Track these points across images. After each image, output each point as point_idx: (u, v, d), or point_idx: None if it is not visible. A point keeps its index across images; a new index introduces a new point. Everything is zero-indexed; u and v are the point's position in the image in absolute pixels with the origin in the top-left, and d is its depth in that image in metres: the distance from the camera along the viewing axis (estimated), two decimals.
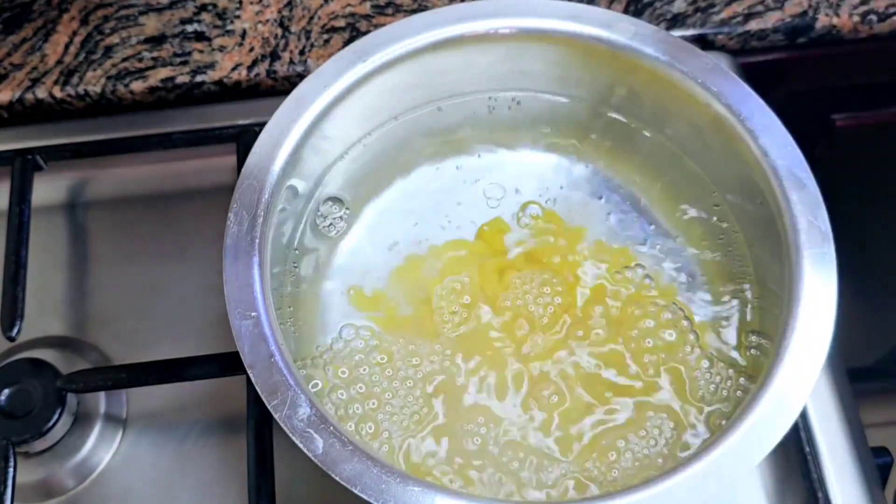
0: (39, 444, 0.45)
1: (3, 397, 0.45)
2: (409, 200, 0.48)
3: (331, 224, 0.47)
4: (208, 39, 0.56)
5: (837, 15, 0.56)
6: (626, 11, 0.56)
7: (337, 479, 0.34)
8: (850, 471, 0.44)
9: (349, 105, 0.44)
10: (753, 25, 0.56)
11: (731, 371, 0.42)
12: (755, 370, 0.41)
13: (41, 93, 0.55)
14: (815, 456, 0.44)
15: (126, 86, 0.55)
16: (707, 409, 0.41)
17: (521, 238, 0.46)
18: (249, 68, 0.55)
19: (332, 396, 0.42)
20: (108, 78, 0.55)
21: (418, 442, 0.41)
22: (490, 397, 0.42)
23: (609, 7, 0.57)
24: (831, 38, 0.57)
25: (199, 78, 0.55)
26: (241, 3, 0.58)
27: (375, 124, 0.48)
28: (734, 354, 0.43)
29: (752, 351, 0.42)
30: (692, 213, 0.46)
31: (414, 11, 0.55)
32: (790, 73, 0.60)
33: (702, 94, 0.43)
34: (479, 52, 0.46)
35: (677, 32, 0.55)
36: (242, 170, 0.42)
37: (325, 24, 0.57)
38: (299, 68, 0.55)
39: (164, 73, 0.55)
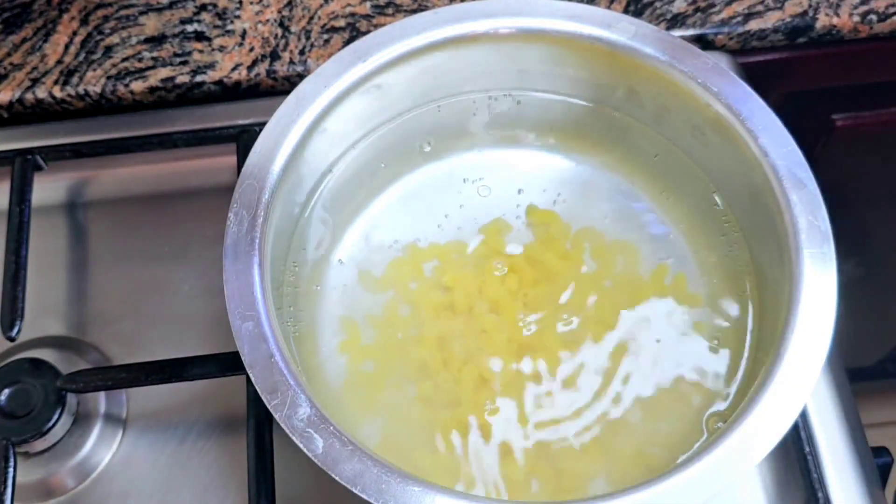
0: (39, 444, 0.45)
1: (3, 397, 0.45)
2: (410, 200, 0.48)
3: (331, 224, 0.47)
4: (208, 39, 0.56)
5: (837, 15, 0.56)
6: (626, 11, 0.56)
7: (337, 479, 0.34)
8: (850, 471, 0.44)
9: (349, 105, 0.44)
10: (753, 25, 0.56)
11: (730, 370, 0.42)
12: (754, 370, 0.41)
13: (41, 93, 0.55)
14: (815, 456, 0.44)
15: (126, 86, 0.55)
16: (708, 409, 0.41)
17: (521, 238, 0.46)
18: (249, 68, 0.55)
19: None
20: (108, 78, 0.55)
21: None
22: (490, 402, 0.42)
23: (609, 7, 0.57)
24: (831, 38, 0.57)
25: (199, 78, 0.55)
26: (241, 3, 0.58)
27: (375, 124, 0.48)
28: (734, 353, 0.43)
29: (752, 351, 0.42)
30: (692, 213, 0.46)
31: (414, 11, 0.55)
32: (790, 73, 0.59)
33: (702, 94, 0.43)
34: (479, 52, 0.46)
35: (677, 32, 0.55)
36: (242, 170, 0.42)
37: (325, 24, 0.56)
38: (299, 68, 0.55)
39: (164, 73, 0.55)
